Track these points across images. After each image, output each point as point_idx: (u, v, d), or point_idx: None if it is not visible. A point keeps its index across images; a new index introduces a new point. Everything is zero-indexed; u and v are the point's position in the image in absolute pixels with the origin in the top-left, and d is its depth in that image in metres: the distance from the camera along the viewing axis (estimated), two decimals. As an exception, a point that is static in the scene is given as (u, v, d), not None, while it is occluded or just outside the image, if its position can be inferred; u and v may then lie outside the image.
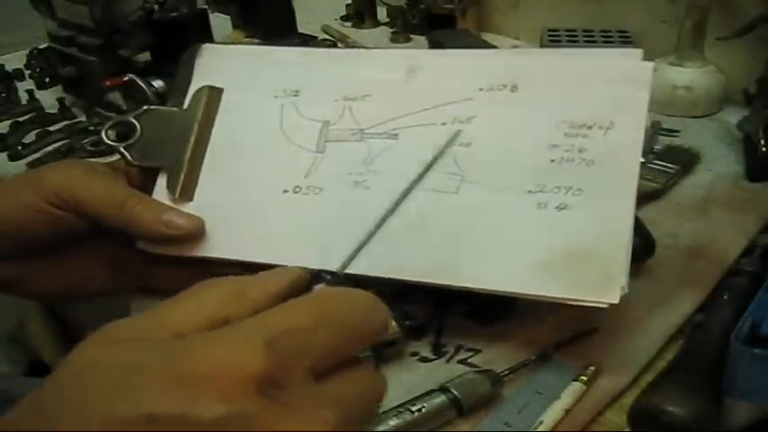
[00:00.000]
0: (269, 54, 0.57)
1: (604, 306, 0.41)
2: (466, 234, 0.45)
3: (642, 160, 0.64)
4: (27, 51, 1.05)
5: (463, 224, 0.45)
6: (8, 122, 0.87)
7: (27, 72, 1.01)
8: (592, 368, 0.43)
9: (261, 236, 0.48)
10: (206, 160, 0.51)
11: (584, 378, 0.43)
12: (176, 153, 0.51)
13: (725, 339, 0.41)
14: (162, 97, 0.75)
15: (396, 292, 0.50)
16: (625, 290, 0.41)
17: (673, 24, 0.79)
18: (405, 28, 1.09)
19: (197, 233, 0.48)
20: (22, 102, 0.94)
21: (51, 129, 0.85)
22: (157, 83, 0.77)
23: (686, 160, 0.67)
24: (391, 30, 1.11)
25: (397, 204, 0.35)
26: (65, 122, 0.86)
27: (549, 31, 0.90)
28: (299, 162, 0.50)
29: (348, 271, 0.46)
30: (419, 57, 0.53)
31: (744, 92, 0.74)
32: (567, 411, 0.41)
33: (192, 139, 0.51)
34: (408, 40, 1.09)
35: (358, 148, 0.50)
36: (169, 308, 0.27)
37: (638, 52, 0.47)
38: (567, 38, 0.88)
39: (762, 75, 0.71)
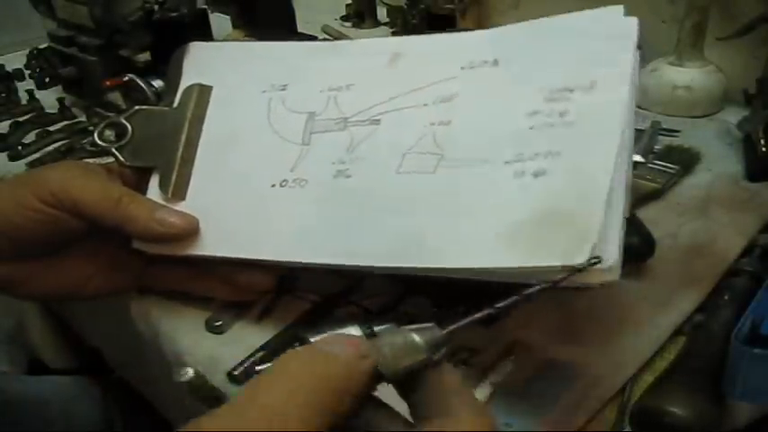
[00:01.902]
0: (256, 49, 0.57)
1: (569, 270, 0.37)
2: (437, 212, 0.43)
3: (641, 159, 0.65)
4: (27, 51, 1.05)
5: (436, 203, 0.44)
6: (8, 122, 0.87)
7: (27, 72, 1.01)
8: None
9: (252, 233, 0.48)
10: (197, 158, 0.51)
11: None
12: (168, 152, 0.51)
13: (726, 339, 0.41)
14: (161, 97, 0.75)
15: (396, 293, 0.50)
16: (600, 250, 0.37)
17: (673, 24, 0.79)
18: (405, 28, 1.09)
19: (190, 231, 0.48)
20: (22, 102, 0.94)
21: (51, 129, 0.85)
22: (157, 83, 0.77)
23: (686, 160, 0.67)
24: (391, 30, 1.11)
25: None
26: (65, 122, 0.87)
27: (549, 31, 0.90)
28: (285, 155, 0.50)
29: (315, 261, 0.45)
30: (401, 43, 0.53)
31: (744, 92, 0.74)
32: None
33: (183, 137, 0.51)
34: (408, 40, 1.09)
35: (341, 137, 0.49)
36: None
37: (619, 8, 0.46)
38: (567, 38, 0.88)
39: (762, 75, 0.71)
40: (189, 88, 0.53)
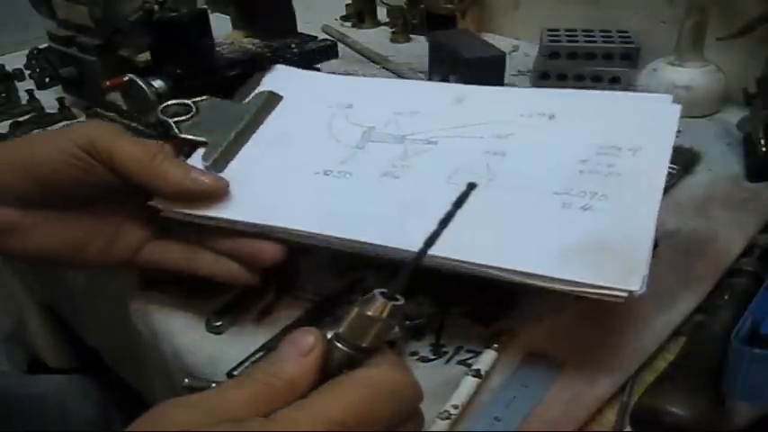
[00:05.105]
0: (330, 78, 0.65)
1: (624, 295, 0.40)
2: (485, 220, 0.44)
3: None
4: (27, 51, 1.05)
5: (484, 212, 0.45)
6: (8, 122, 0.87)
7: (27, 72, 1.01)
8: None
9: (279, 202, 0.48)
10: (247, 144, 0.53)
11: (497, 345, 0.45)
12: (221, 133, 0.53)
13: (726, 339, 0.41)
14: (162, 97, 0.75)
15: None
16: (645, 283, 0.40)
17: (673, 24, 0.79)
18: (405, 28, 1.09)
19: (219, 192, 0.48)
20: (22, 102, 0.94)
21: (51, 129, 0.85)
22: (157, 83, 0.77)
23: (686, 160, 0.67)
24: (391, 30, 1.11)
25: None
26: (65, 122, 0.86)
27: (549, 31, 0.90)
28: (336, 153, 0.52)
29: (344, 236, 0.45)
30: (467, 89, 0.58)
31: (744, 92, 0.74)
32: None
33: (241, 125, 0.54)
34: (408, 40, 1.09)
35: (396, 148, 0.52)
36: (218, 397, 0.30)
37: (668, 97, 0.52)
38: (567, 38, 0.88)
39: (762, 75, 0.71)
40: (261, 92, 0.57)
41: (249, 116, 0.55)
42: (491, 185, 0.47)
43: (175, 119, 0.53)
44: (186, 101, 0.55)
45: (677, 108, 0.50)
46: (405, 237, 0.43)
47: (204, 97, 0.55)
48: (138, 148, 0.48)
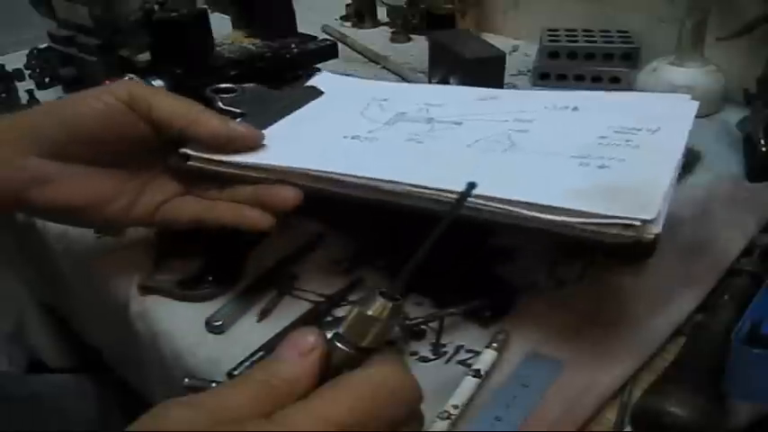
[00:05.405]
0: (370, 81, 0.70)
1: (637, 224, 0.39)
2: (500, 174, 0.46)
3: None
4: (27, 51, 1.05)
5: (501, 168, 0.47)
6: (8, 122, 0.87)
7: (27, 72, 1.01)
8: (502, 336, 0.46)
9: (308, 151, 0.51)
10: (280, 123, 0.56)
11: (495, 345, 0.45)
12: (260, 109, 0.58)
13: (726, 339, 0.41)
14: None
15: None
16: (662, 221, 0.40)
17: (673, 24, 0.79)
18: (405, 28, 1.09)
19: (254, 139, 0.51)
20: (22, 102, 0.94)
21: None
22: (157, 83, 0.77)
23: (686, 160, 0.66)
24: (391, 30, 1.11)
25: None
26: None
27: (549, 31, 0.90)
28: (366, 126, 0.56)
29: (364, 174, 0.46)
30: (494, 91, 0.62)
31: (744, 92, 0.74)
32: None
33: (280, 106, 0.58)
34: (408, 39, 1.09)
35: (423, 125, 0.56)
36: (219, 397, 0.29)
37: (687, 96, 0.55)
38: (567, 38, 0.88)
39: (762, 75, 0.71)
40: (305, 86, 0.63)
41: (289, 100, 0.60)
42: (511, 150, 0.50)
43: (218, 96, 0.59)
44: (232, 84, 0.61)
45: (695, 104, 0.53)
46: (428, 181, 0.44)
47: (251, 84, 0.62)
48: (178, 101, 0.50)
